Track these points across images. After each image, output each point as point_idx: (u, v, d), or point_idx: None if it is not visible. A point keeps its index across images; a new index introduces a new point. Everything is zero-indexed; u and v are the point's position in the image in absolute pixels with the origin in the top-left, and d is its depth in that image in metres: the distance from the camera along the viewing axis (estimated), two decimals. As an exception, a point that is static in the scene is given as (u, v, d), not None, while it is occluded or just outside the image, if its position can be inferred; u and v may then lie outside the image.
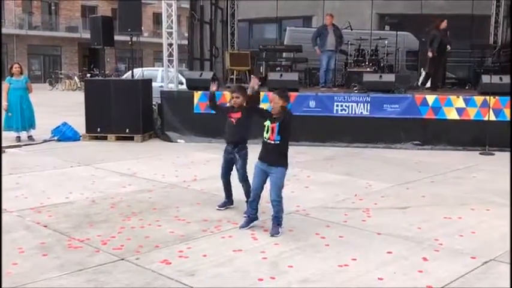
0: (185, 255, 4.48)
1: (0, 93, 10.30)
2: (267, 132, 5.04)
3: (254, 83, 5.39)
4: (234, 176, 5.87)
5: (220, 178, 5.98)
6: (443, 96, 10.65)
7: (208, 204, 6.13)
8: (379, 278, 4.02)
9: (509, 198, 6.33)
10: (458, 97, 10.55)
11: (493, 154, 9.88)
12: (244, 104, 5.66)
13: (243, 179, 5.74)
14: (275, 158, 5.03)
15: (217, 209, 5.91)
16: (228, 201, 6.01)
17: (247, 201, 5.67)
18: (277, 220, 5.09)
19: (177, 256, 4.47)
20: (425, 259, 4.45)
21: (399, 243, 4.87)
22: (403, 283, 3.93)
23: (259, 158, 5.16)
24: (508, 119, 10.13)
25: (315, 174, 7.96)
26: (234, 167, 5.83)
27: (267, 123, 5.03)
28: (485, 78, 10.71)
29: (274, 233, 5.02)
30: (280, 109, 4.99)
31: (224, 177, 5.92)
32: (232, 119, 5.70)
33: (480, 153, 9.97)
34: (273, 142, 5.01)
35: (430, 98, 10.58)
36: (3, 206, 5.92)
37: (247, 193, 5.70)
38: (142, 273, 4.10)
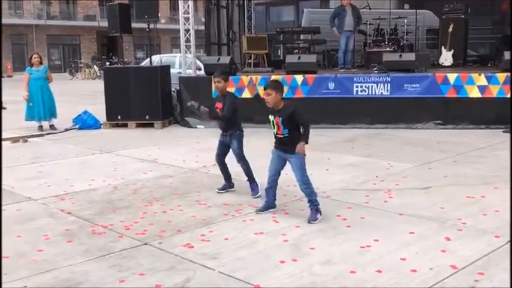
0: (207, 239, 4.52)
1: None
2: (274, 127, 4.98)
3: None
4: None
5: (216, 161, 6.06)
6: (465, 74, 10.47)
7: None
8: (401, 259, 4.00)
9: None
10: (480, 75, 10.36)
11: (516, 132, 9.71)
12: (227, 90, 5.85)
13: (240, 159, 5.81)
14: (290, 147, 4.94)
15: (218, 192, 5.99)
16: (228, 185, 6.08)
17: (248, 181, 5.80)
18: (313, 204, 4.95)
19: (199, 240, 4.50)
20: (448, 239, 4.42)
21: (421, 223, 4.84)
22: (426, 263, 3.90)
23: (274, 147, 5.10)
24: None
25: (335, 157, 7.92)
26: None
27: (271, 117, 4.97)
28: (508, 55, 10.50)
29: (312, 219, 4.87)
30: (277, 102, 4.90)
31: (218, 159, 6.00)
32: (218, 110, 5.82)
33: (503, 131, 9.79)
34: (282, 136, 4.94)
35: (452, 77, 10.42)
36: (28, 194, 6.04)
37: (247, 173, 5.80)
38: (165, 257, 4.14)
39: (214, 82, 5.85)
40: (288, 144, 4.94)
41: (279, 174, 5.15)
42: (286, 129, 4.90)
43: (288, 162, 5.04)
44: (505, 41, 13.00)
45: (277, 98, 4.92)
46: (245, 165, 5.81)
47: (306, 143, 4.87)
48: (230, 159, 6.01)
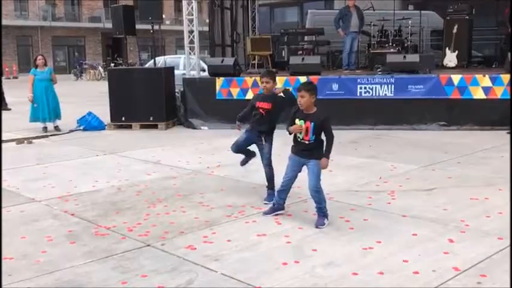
0: (210, 241, 4.52)
1: None
2: (301, 132, 4.81)
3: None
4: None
5: (231, 149, 5.85)
6: (469, 75, 10.44)
7: (232, 189, 6.14)
8: (404, 260, 4.00)
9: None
10: (484, 76, 10.33)
11: (521, 133, 9.67)
12: (276, 91, 5.54)
13: (268, 163, 5.65)
14: (311, 154, 4.85)
15: (242, 165, 5.88)
16: (250, 157, 5.91)
17: (267, 187, 5.67)
18: (321, 211, 4.89)
19: (202, 241, 4.50)
20: (451, 241, 4.41)
21: (425, 225, 4.82)
22: (428, 265, 3.90)
23: (293, 153, 4.97)
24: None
25: (339, 158, 7.86)
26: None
27: (299, 122, 4.80)
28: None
29: (319, 224, 4.81)
30: (310, 105, 4.79)
31: (235, 149, 5.80)
32: (261, 110, 5.53)
33: (507, 133, 9.74)
34: (307, 142, 4.82)
35: (456, 78, 10.39)
36: (32, 196, 6.06)
37: (269, 179, 5.66)
38: (168, 258, 4.15)
39: (262, 82, 5.55)
40: (311, 150, 4.85)
41: (295, 179, 5.05)
42: (314, 135, 4.80)
43: (304, 166, 4.93)
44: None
45: (310, 101, 4.79)
46: (270, 170, 5.65)
47: (328, 157, 4.80)
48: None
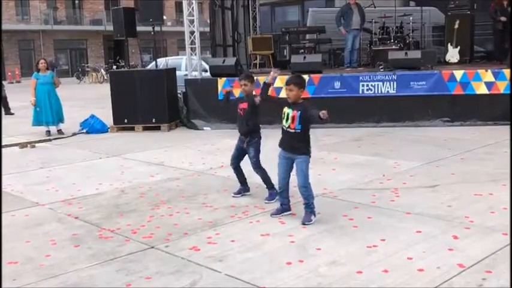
0: (214, 241, 4.52)
1: None
2: (287, 120, 4.86)
3: (275, 73, 5.24)
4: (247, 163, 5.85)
5: (231, 166, 5.92)
6: (472, 70, 10.41)
7: (235, 190, 6.13)
8: (408, 258, 3.99)
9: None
10: (487, 71, 10.29)
11: (524, 128, 9.62)
12: (254, 93, 5.66)
13: (256, 166, 5.67)
14: (298, 146, 4.88)
15: (233, 196, 5.88)
16: (244, 188, 5.96)
17: (266, 187, 5.69)
18: (308, 207, 4.93)
19: (205, 242, 4.50)
20: (455, 237, 4.39)
21: (429, 222, 4.81)
22: (433, 262, 3.89)
23: (280, 147, 5.01)
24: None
25: (342, 156, 7.90)
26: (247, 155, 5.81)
27: (288, 110, 4.84)
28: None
29: (306, 221, 4.86)
30: (298, 98, 4.84)
31: (233, 164, 5.86)
32: (240, 111, 5.67)
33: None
34: (293, 131, 4.84)
35: (458, 74, 10.36)
36: (36, 200, 6.08)
37: (264, 180, 5.68)
38: (172, 260, 4.15)
39: (241, 85, 5.69)
40: (297, 143, 4.87)
41: (289, 176, 5.06)
42: (301, 125, 4.81)
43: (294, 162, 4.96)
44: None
45: (299, 95, 4.85)
46: (261, 172, 5.68)
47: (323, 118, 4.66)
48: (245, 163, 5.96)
